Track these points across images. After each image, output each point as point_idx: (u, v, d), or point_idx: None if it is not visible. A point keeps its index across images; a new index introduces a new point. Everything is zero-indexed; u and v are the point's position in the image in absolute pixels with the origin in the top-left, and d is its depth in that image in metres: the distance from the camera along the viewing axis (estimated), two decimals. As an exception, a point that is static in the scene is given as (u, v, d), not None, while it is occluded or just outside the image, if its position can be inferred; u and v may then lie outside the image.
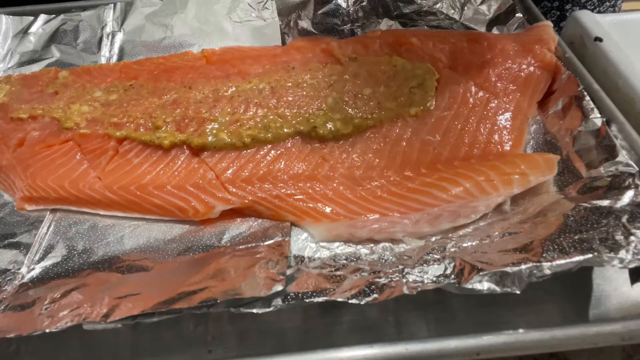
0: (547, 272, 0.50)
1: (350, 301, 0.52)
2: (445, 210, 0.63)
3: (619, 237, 0.53)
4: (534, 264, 0.51)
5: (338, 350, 0.51)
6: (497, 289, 0.51)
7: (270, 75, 0.81)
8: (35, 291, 0.58)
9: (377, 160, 0.69)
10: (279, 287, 0.52)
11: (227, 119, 0.73)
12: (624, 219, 0.55)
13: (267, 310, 0.52)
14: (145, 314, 0.51)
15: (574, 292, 0.57)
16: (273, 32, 0.97)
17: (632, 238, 0.52)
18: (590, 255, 0.51)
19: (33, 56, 0.96)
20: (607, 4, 1.15)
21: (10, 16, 0.98)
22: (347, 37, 0.94)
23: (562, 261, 0.51)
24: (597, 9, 1.14)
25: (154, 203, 0.67)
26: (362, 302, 0.51)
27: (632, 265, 0.50)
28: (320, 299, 0.52)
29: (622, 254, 0.51)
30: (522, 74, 0.78)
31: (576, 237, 0.54)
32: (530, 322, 0.54)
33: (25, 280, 0.61)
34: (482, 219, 0.63)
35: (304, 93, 0.77)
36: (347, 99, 0.76)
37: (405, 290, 0.52)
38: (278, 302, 0.52)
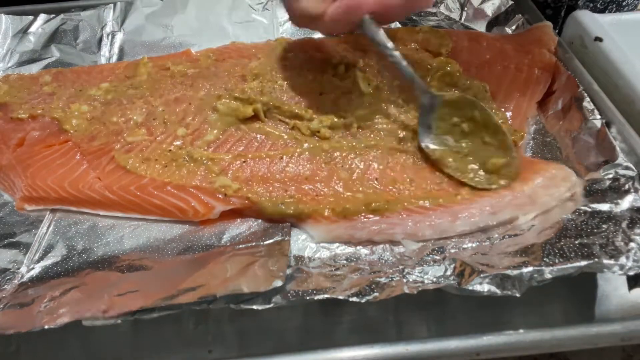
0: (548, 276, 0.51)
1: (350, 299, 0.52)
2: (447, 213, 0.63)
3: (619, 243, 0.53)
4: (535, 267, 0.51)
5: (338, 350, 0.51)
6: (498, 291, 0.51)
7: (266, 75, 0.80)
8: (35, 290, 0.58)
9: (377, 163, 0.69)
10: (278, 283, 0.52)
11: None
12: (624, 224, 0.55)
13: (267, 306, 0.51)
14: (144, 310, 0.51)
15: (574, 292, 0.58)
16: (273, 33, 0.97)
17: (632, 245, 0.53)
18: (590, 262, 0.51)
19: (33, 56, 0.96)
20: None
21: (10, 15, 0.98)
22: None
23: (563, 266, 0.51)
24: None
25: (153, 204, 0.67)
26: (363, 301, 0.51)
27: (632, 273, 0.50)
28: (320, 297, 0.52)
29: (622, 260, 0.51)
30: (522, 74, 0.78)
31: (577, 242, 0.54)
32: (531, 322, 0.54)
33: (24, 279, 0.60)
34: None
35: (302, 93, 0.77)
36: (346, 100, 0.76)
37: (406, 290, 0.52)
38: (278, 299, 0.52)
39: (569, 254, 0.52)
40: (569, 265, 0.51)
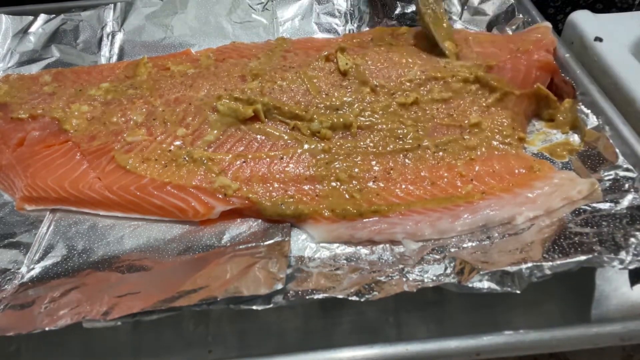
0: (548, 272, 0.51)
1: (350, 298, 0.52)
2: (447, 213, 0.63)
3: (619, 238, 0.53)
4: (535, 263, 0.51)
5: (338, 351, 0.51)
6: (498, 288, 0.51)
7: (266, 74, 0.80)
8: (35, 290, 0.58)
9: (377, 163, 0.69)
10: (279, 286, 0.52)
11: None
12: (624, 221, 0.56)
13: (267, 307, 0.52)
14: (144, 312, 0.51)
15: (574, 292, 0.58)
16: (273, 33, 0.98)
17: (632, 240, 0.53)
18: (590, 256, 0.51)
19: (33, 56, 0.96)
20: None
21: (10, 16, 0.98)
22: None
23: (563, 261, 0.51)
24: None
25: (153, 204, 0.67)
26: (362, 300, 0.51)
27: (632, 267, 0.50)
28: (320, 296, 0.52)
29: (622, 255, 0.51)
30: (521, 75, 0.78)
31: (576, 239, 0.54)
32: (531, 322, 0.54)
33: (25, 279, 0.61)
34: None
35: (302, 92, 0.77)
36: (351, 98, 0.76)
37: (406, 288, 0.52)
38: (278, 299, 0.52)
39: (568, 249, 0.53)
40: (569, 260, 0.51)
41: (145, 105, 0.78)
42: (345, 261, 0.60)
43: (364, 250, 0.62)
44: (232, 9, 1.01)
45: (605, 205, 0.59)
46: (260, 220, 0.66)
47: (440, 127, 0.73)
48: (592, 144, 0.68)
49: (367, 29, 0.96)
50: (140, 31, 0.99)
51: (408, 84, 0.77)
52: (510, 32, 0.92)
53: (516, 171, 0.67)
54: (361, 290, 0.52)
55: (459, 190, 0.65)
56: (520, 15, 0.93)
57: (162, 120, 0.75)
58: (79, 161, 0.72)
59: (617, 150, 0.65)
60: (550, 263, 0.51)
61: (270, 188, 0.67)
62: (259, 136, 0.73)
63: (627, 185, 0.61)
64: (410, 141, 0.71)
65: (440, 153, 0.70)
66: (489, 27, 0.95)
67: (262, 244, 0.62)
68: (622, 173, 0.63)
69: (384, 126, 0.73)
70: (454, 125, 0.73)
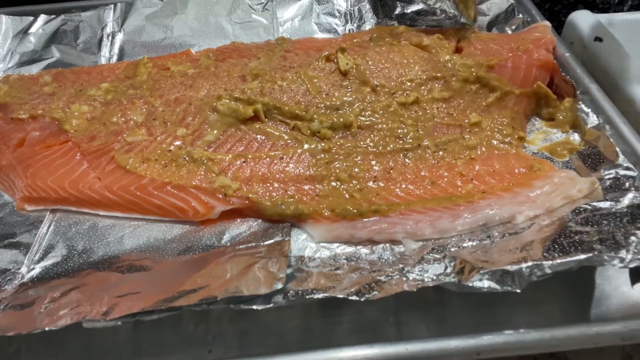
0: (548, 271, 0.51)
1: (350, 297, 0.52)
2: (447, 212, 0.63)
3: (619, 237, 0.53)
4: (535, 262, 0.51)
5: (338, 350, 0.51)
6: (498, 287, 0.51)
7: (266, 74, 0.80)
8: (35, 291, 0.58)
9: (377, 163, 0.69)
10: (278, 285, 0.52)
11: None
12: (625, 220, 0.56)
13: (267, 306, 0.52)
14: (144, 312, 0.51)
15: (574, 292, 0.57)
16: (273, 33, 0.98)
17: (632, 238, 0.53)
18: (590, 255, 0.51)
19: (33, 56, 0.96)
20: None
21: (10, 16, 0.98)
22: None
23: (563, 260, 0.51)
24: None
25: (153, 204, 0.67)
26: (362, 299, 0.51)
27: (632, 265, 0.50)
28: (320, 296, 0.52)
29: (622, 253, 0.51)
30: (520, 72, 0.78)
31: (577, 238, 0.54)
32: (531, 322, 0.54)
33: (25, 280, 0.61)
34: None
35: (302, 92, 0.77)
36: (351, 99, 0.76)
37: (406, 288, 0.52)
38: (278, 298, 0.52)
39: (568, 248, 0.53)
40: (569, 259, 0.51)
41: (145, 105, 0.78)
42: (345, 261, 0.60)
43: (364, 250, 0.61)
44: (232, 9, 1.01)
45: (605, 204, 0.59)
46: (260, 220, 0.66)
47: (441, 126, 0.73)
48: (593, 143, 0.68)
49: (367, 29, 0.96)
50: (140, 31, 0.99)
51: (409, 83, 0.77)
52: (510, 32, 0.92)
53: (516, 170, 0.67)
54: (361, 290, 0.52)
55: (459, 189, 0.65)
56: (520, 15, 0.93)
57: (162, 120, 0.75)
58: (79, 161, 0.72)
59: (618, 149, 0.65)
60: (551, 262, 0.51)
61: (270, 188, 0.67)
62: (259, 136, 0.73)
63: (627, 184, 0.61)
64: (411, 141, 0.71)
65: (441, 152, 0.70)
66: (489, 27, 0.95)
67: (262, 243, 0.62)
68: (622, 172, 0.63)
69: (384, 126, 0.73)
70: (454, 125, 0.73)
